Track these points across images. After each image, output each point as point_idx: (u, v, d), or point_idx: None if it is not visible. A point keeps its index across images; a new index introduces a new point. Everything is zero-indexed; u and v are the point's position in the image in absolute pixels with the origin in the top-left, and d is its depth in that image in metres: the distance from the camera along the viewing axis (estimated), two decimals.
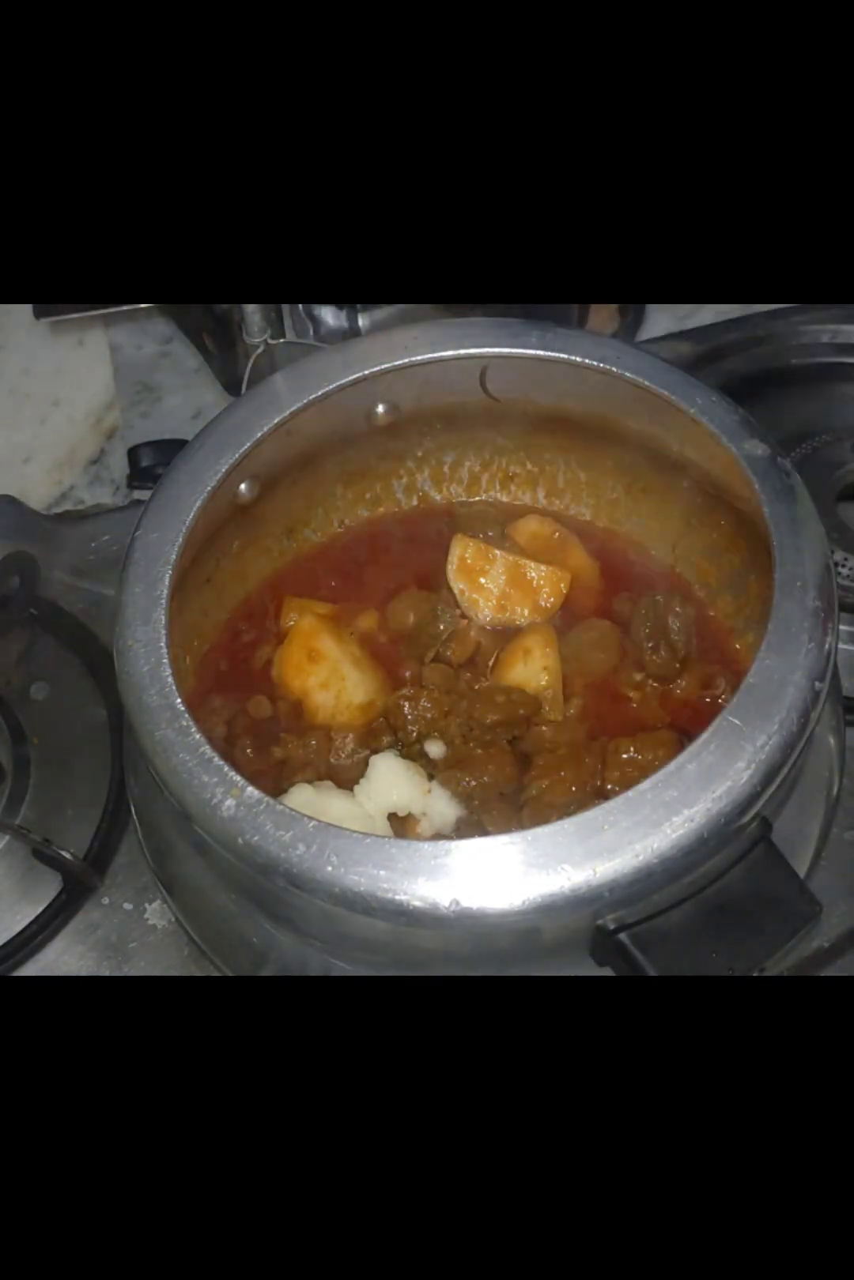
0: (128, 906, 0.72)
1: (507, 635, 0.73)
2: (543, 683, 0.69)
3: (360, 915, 0.53)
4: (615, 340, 0.71)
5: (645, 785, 0.54)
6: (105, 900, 0.73)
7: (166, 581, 0.63)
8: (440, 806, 0.64)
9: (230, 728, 0.69)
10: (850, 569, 0.80)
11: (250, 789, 0.55)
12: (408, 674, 0.71)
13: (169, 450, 0.86)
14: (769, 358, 0.95)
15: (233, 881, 0.60)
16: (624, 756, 0.65)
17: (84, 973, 0.70)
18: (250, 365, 0.83)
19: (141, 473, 0.91)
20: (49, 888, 0.72)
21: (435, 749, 0.67)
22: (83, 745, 0.77)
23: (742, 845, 0.55)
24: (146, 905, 0.72)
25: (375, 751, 0.67)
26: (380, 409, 0.73)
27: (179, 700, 0.58)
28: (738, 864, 0.55)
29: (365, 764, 0.66)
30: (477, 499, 0.80)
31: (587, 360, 0.69)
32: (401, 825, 0.65)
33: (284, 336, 0.85)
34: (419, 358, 0.71)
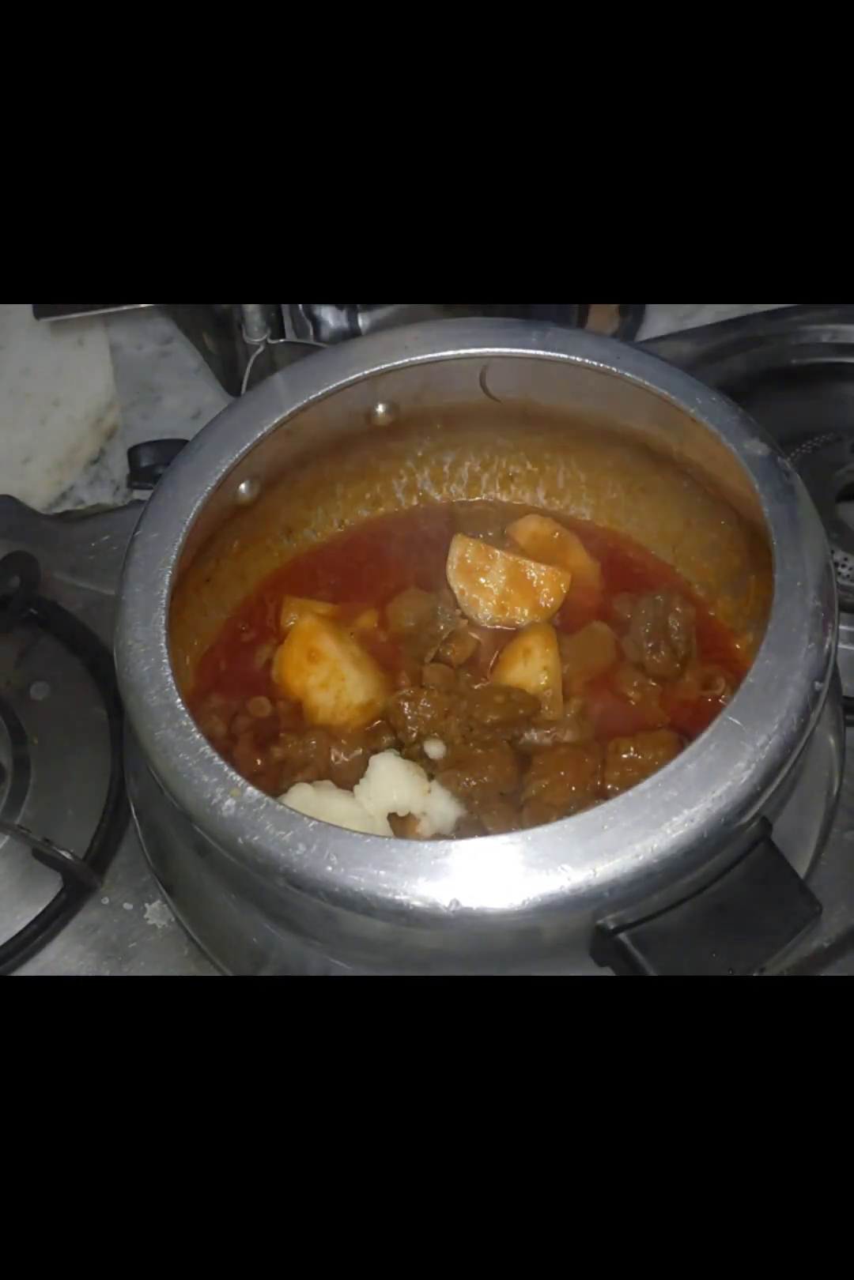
0: (128, 906, 0.72)
1: (507, 635, 0.73)
2: (543, 683, 0.69)
3: (360, 915, 0.53)
4: (615, 340, 0.71)
5: (645, 785, 0.54)
6: (105, 900, 0.73)
7: (166, 581, 0.63)
8: (440, 806, 0.64)
9: (230, 728, 0.69)
10: (850, 569, 0.80)
11: (250, 789, 0.55)
12: (408, 674, 0.71)
13: (169, 450, 0.86)
14: (769, 358, 0.95)
15: (233, 881, 0.60)
16: (624, 756, 0.65)
17: (84, 973, 0.70)
18: (250, 365, 0.83)
19: (141, 473, 0.91)
20: (49, 888, 0.72)
21: (435, 749, 0.67)
22: (83, 745, 0.77)
23: (742, 845, 0.55)
24: (146, 905, 0.72)
25: (375, 751, 0.67)
26: (380, 409, 0.73)
27: (179, 700, 0.58)
28: (738, 864, 0.55)
29: (365, 764, 0.66)
30: (477, 499, 0.80)
31: (587, 360, 0.69)
32: (402, 825, 0.65)
33: (284, 336, 0.85)
34: (419, 358, 0.71)
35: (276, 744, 0.68)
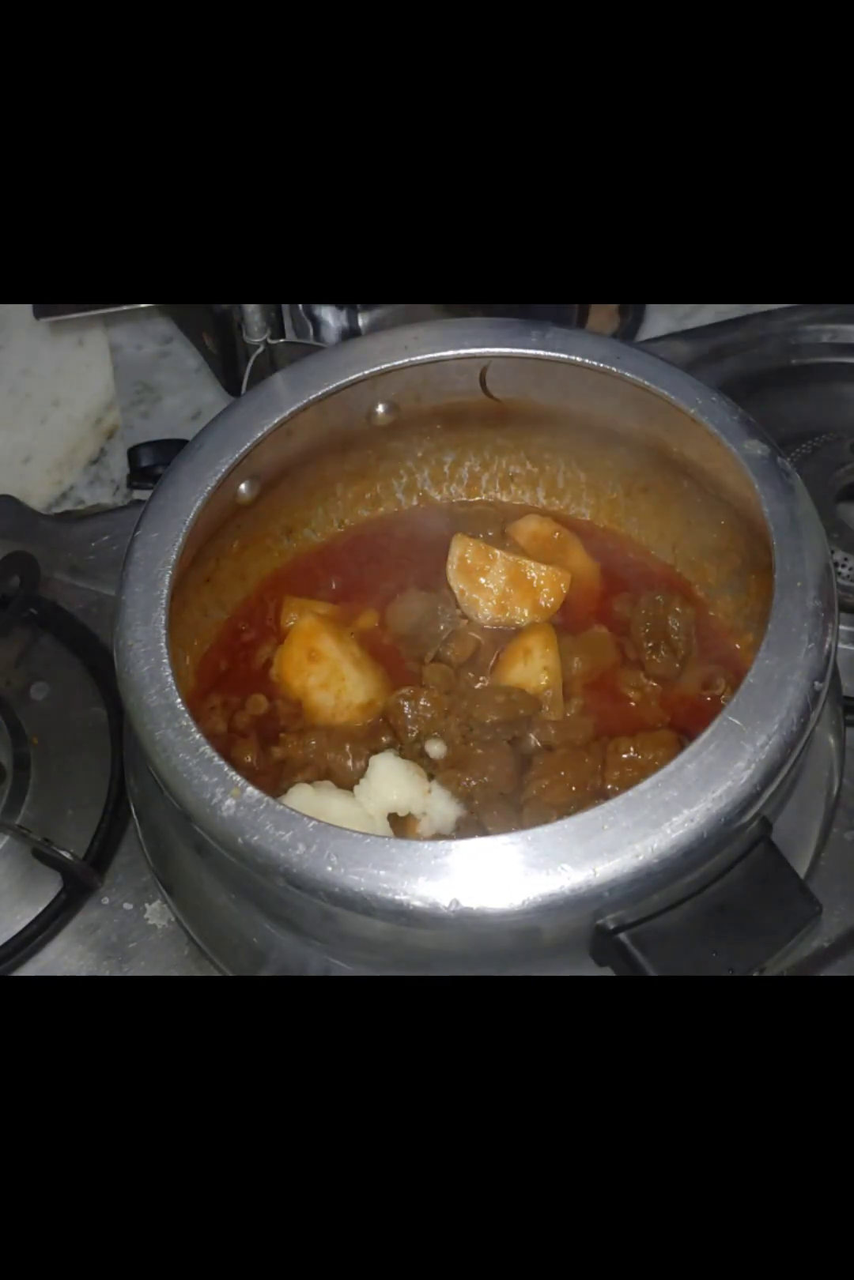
0: (128, 906, 0.72)
1: (507, 635, 0.73)
2: (543, 683, 0.69)
3: (360, 915, 0.53)
4: (615, 340, 0.71)
5: (645, 785, 0.54)
6: (105, 900, 0.73)
7: (166, 581, 0.63)
8: (440, 806, 0.64)
9: (230, 728, 0.69)
10: (850, 569, 0.80)
11: (250, 789, 0.55)
12: (408, 674, 0.71)
13: (169, 450, 0.86)
14: (769, 358, 0.95)
15: (233, 881, 0.60)
16: (624, 756, 0.65)
17: (84, 973, 0.70)
18: (250, 365, 0.83)
19: (141, 473, 0.91)
20: (49, 888, 0.72)
21: (435, 749, 0.67)
22: (83, 745, 0.77)
23: (742, 845, 0.55)
24: (146, 905, 0.72)
25: (375, 751, 0.67)
26: (380, 409, 0.73)
27: (179, 700, 0.58)
28: (738, 864, 0.55)
29: (365, 764, 0.66)
30: (477, 499, 0.80)
31: (587, 360, 0.69)
32: (402, 825, 0.65)
33: (284, 336, 0.85)
34: (419, 358, 0.71)
35: (276, 744, 0.68)
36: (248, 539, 0.74)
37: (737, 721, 0.55)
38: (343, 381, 0.70)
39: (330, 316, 0.88)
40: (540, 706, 0.68)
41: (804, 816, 0.63)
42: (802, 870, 0.61)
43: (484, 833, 0.63)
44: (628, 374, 0.68)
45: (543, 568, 0.73)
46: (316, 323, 0.88)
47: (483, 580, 0.73)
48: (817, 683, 0.57)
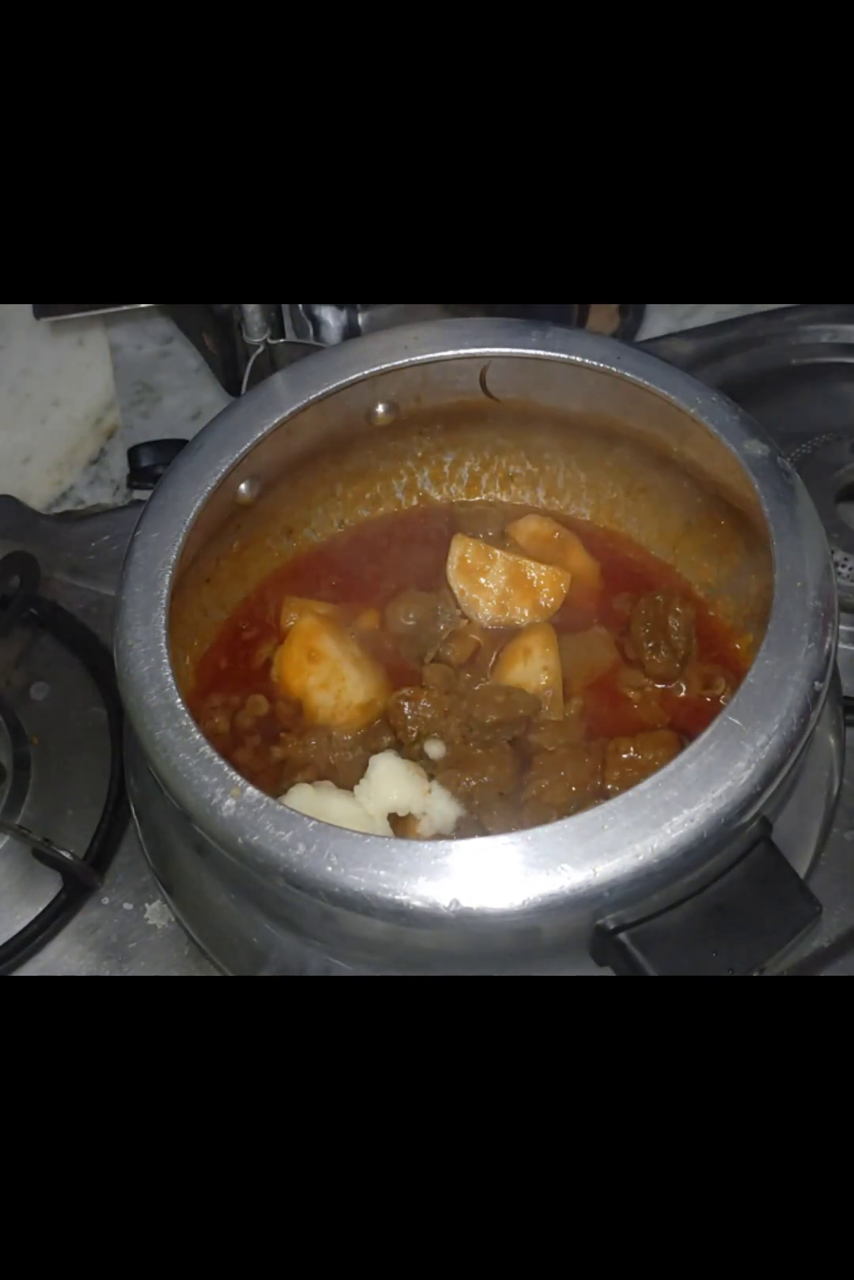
0: (128, 906, 0.72)
1: (506, 635, 0.73)
2: (543, 683, 0.69)
3: (360, 915, 0.53)
4: (615, 340, 0.71)
5: (645, 785, 0.54)
6: (105, 900, 0.73)
7: (166, 581, 0.63)
8: (440, 806, 0.64)
9: (230, 727, 0.69)
10: (850, 569, 0.80)
11: (250, 789, 0.55)
12: (408, 674, 0.71)
13: (169, 450, 0.86)
14: (769, 358, 0.95)
15: (233, 881, 0.60)
16: (624, 756, 0.65)
17: (84, 973, 0.70)
18: (250, 365, 0.83)
19: (141, 473, 0.91)
20: (49, 888, 0.72)
21: (435, 749, 0.67)
22: (83, 745, 0.77)
23: (742, 845, 0.55)
24: (146, 905, 0.72)
25: (375, 751, 0.67)
26: (380, 409, 0.73)
27: (179, 700, 0.58)
28: (738, 864, 0.55)
29: (365, 764, 0.66)
30: (477, 499, 0.80)
31: (587, 360, 0.69)
32: (402, 825, 0.65)
33: (284, 336, 0.85)
34: (419, 358, 0.71)
35: (276, 744, 0.68)
36: (248, 539, 0.74)
37: (737, 721, 0.55)
38: (343, 381, 0.70)
39: (330, 316, 0.88)
40: (540, 706, 0.68)
41: (804, 816, 0.63)
42: (802, 870, 0.61)
43: (484, 833, 0.63)
44: (628, 374, 0.68)
45: (543, 568, 0.73)
46: (316, 323, 0.88)
47: (483, 580, 0.73)
48: (817, 683, 0.57)
